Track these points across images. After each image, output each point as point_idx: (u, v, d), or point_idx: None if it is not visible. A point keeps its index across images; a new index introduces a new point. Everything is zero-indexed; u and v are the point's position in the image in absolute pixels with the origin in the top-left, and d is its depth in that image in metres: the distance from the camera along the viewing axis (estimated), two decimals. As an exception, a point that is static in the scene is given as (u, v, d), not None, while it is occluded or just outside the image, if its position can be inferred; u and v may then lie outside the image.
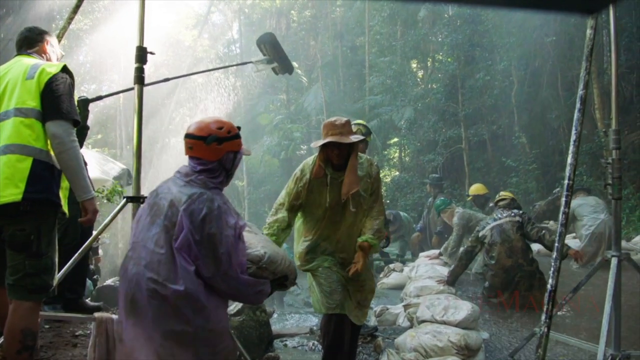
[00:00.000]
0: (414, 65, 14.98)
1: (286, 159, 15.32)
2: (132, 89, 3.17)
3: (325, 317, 2.75)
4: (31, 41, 2.48)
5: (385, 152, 15.02)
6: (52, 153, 2.24)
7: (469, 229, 5.78)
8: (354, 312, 2.77)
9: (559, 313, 4.05)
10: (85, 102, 3.28)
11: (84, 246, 2.98)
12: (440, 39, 12.85)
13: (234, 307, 3.55)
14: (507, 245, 4.46)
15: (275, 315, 5.00)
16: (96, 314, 2.73)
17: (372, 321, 4.48)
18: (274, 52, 4.50)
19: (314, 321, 5.02)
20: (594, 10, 1.70)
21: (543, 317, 2.60)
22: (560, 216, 2.67)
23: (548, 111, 10.20)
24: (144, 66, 3.07)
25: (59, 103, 2.22)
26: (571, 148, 2.71)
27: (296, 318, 5.43)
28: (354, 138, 2.68)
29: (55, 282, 2.35)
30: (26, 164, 2.15)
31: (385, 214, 3.02)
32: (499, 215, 4.67)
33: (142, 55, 3.08)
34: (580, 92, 2.72)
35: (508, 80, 10.79)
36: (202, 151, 1.93)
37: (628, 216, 7.56)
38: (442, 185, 8.15)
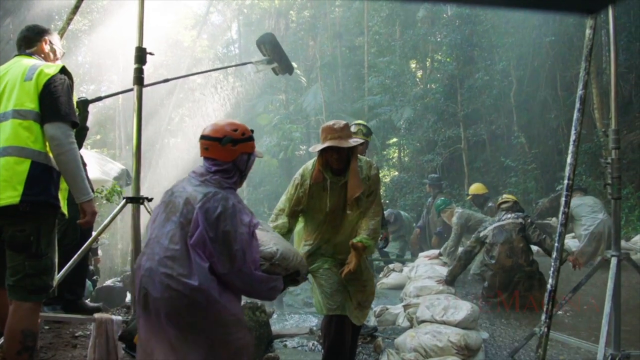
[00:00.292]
0: (413, 66, 14.98)
1: (285, 159, 15.33)
2: (131, 89, 3.17)
3: (326, 318, 2.74)
4: (30, 41, 2.46)
5: (385, 152, 15.02)
6: (50, 155, 2.23)
7: (467, 229, 5.79)
8: (354, 313, 2.77)
9: (558, 313, 4.05)
10: (84, 103, 3.27)
11: (83, 247, 2.99)
12: (439, 39, 12.86)
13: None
14: (508, 246, 4.46)
15: (275, 316, 4.99)
16: (96, 315, 2.74)
17: (371, 321, 4.47)
18: (274, 53, 4.50)
19: (313, 321, 5.02)
20: (593, 10, 1.70)
21: (543, 317, 2.60)
22: (560, 216, 2.67)
23: (547, 111, 10.22)
24: (143, 67, 3.07)
25: (57, 105, 2.21)
26: (571, 148, 2.71)
27: (296, 318, 5.43)
28: (354, 142, 2.65)
29: (55, 282, 2.35)
30: (24, 166, 2.15)
31: (383, 215, 3.02)
32: (502, 217, 4.68)
33: (141, 55, 3.08)
34: (579, 92, 2.71)
35: (507, 80, 10.79)
36: (217, 152, 1.99)
37: (627, 216, 7.57)
38: (441, 185, 8.14)
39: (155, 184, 14.96)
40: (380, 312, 4.65)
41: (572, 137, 2.71)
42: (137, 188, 3.11)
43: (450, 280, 4.77)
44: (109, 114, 17.46)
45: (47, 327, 3.18)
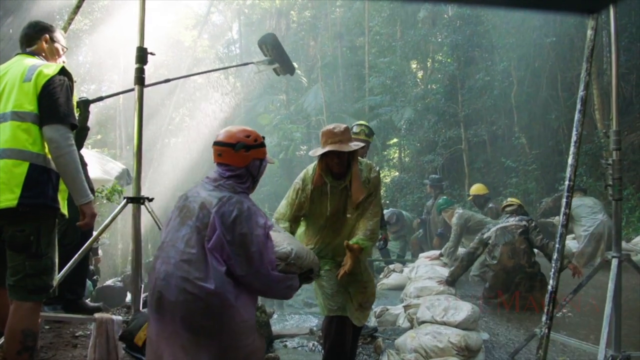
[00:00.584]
0: (414, 66, 14.98)
1: (286, 159, 15.33)
2: (132, 89, 3.17)
3: (326, 318, 2.74)
4: (30, 39, 2.44)
5: (385, 153, 15.02)
6: (49, 157, 2.22)
7: (467, 230, 5.79)
8: (355, 314, 2.77)
9: (559, 314, 4.05)
10: (85, 103, 3.27)
11: (84, 247, 2.98)
12: (440, 40, 12.84)
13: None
14: (510, 247, 4.47)
15: (275, 316, 4.99)
16: (96, 315, 2.74)
17: (372, 322, 4.47)
18: (275, 53, 4.50)
19: (314, 322, 5.02)
20: (594, 10, 1.70)
21: (544, 318, 2.59)
22: (561, 217, 2.66)
23: (548, 112, 10.20)
24: (144, 67, 3.07)
25: (56, 107, 2.19)
26: (572, 149, 2.70)
27: (296, 319, 5.43)
28: (354, 145, 2.63)
29: (55, 282, 2.35)
30: (22, 168, 2.14)
31: (382, 216, 3.01)
32: (505, 220, 4.69)
33: (142, 55, 3.07)
34: (580, 92, 2.71)
35: (508, 80, 10.78)
36: (230, 158, 2.03)
37: (628, 217, 7.56)
38: (442, 185, 8.14)
39: (156, 184, 14.98)
40: (381, 312, 4.65)
41: (573, 138, 2.70)
42: (138, 188, 3.11)
43: (451, 281, 4.76)
44: (110, 113, 17.47)
45: (47, 327, 3.19)
